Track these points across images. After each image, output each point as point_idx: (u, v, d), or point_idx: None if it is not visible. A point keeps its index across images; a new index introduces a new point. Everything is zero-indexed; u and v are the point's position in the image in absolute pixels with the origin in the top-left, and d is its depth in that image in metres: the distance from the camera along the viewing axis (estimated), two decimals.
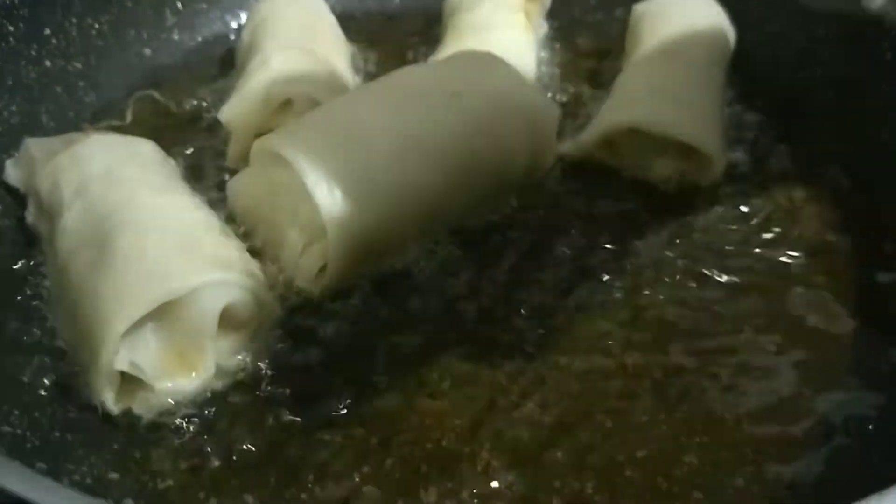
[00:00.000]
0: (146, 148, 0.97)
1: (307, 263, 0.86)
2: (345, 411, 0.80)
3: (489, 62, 1.01)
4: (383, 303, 0.91)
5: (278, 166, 0.85)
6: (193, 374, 0.79)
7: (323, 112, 0.95)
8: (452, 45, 1.21)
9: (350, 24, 1.35)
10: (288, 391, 0.82)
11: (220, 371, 0.81)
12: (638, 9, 1.27)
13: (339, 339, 0.88)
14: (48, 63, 1.15)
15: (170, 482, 0.75)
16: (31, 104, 1.12)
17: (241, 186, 0.94)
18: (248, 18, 1.30)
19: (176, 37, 1.35)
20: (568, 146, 1.07)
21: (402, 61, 1.31)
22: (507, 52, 1.09)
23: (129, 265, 0.77)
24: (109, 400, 0.76)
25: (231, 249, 0.83)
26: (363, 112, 0.90)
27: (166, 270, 0.76)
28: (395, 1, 1.50)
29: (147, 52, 1.31)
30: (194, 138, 1.15)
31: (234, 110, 1.05)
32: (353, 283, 0.91)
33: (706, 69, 1.12)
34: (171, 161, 1.01)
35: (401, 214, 0.86)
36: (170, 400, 0.79)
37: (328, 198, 0.81)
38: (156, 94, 1.24)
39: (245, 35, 1.24)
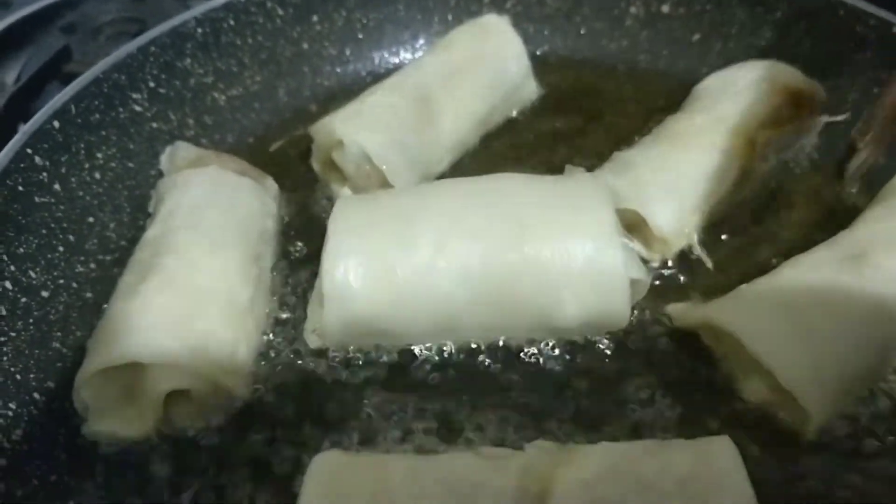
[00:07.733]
0: (247, 194, 1.04)
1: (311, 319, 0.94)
2: None
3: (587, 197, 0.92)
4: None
5: None
6: (131, 423, 0.84)
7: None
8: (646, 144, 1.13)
9: None
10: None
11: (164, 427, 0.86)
12: None
13: None
14: (305, 45, 1.33)
15: None
16: (276, 78, 1.31)
17: None
18: None
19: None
20: (674, 308, 0.97)
21: None
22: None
23: (130, 314, 0.84)
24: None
25: (224, 330, 0.87)
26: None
27: (140, 334, 0.82)
28: None
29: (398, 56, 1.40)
30: None
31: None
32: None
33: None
34: (271, 207, 1.08)
35: (407, 312, 0.89)
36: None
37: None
38: None
39: None
